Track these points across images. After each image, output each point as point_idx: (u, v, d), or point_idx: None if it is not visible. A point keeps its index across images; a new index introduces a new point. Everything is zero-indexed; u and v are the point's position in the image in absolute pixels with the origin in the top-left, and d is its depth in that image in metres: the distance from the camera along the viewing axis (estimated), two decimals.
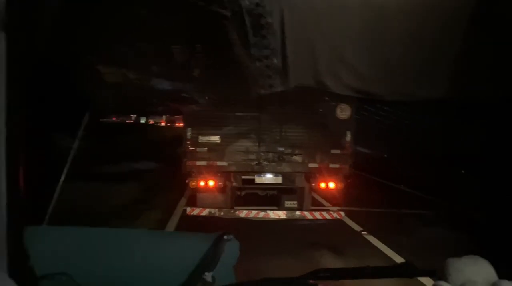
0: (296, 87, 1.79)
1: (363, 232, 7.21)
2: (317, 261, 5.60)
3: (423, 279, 3.73)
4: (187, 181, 7.22)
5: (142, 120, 32.58)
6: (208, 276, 1.03)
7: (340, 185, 7.32)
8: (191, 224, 6.96)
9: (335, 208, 8.12)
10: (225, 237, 1.14)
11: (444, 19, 1.65)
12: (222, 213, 7.12)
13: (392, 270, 1.38)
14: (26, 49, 1.16)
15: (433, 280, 1.13)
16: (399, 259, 5.75)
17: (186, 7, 1.48)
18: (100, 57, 1.70)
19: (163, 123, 38.96)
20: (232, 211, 7.19)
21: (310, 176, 7.37)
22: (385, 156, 14.94)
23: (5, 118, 1.07)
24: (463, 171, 10.84)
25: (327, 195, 8.03)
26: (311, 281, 0.67)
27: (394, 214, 8.39)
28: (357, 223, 7.68)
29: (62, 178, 1.43)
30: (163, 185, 10.56)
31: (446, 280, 1.04)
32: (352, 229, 7.44)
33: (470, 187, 8.88)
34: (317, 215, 7.31)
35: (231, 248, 1.14)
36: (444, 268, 1.07)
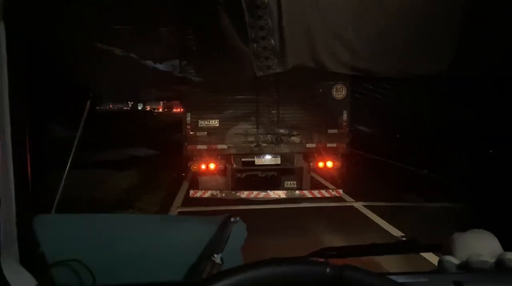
0: (294, 67, 1.75)
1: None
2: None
3: (426, 255, 3.71)
4: (188, 164, 7.25)
5: (139, 107, 31.60)
6: (217, 257, 1.02)
7: (338, 164, 7.35)
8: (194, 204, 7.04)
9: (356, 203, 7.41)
10: (232, 219, 1.13)
11: None
12: (224, 195, 7.16)
13: (397, 246, 1.37)
14: (26, 41, 1.13)
15: (438, 255, 1.11)
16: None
17: None
18: (94, 37, 1.65)
19: (160, 110, 37.68)
20: (233, 192, 7.22)
21: (308, 155, 7.37)
22: (398, 136, 13.57)
23: (10, 111, 1.05)
24: None
25: (326, 175, 7.99)
26: (318, 259, 0.67)
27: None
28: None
29: (68, 166, 1.41)
30: (166, 169, 10.57)
31: (451, 254, 1.03)
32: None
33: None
34: (316, 193, 7.34)
35: (238, 230, 1.12)
36: (449, 242, 1.06)
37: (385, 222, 6.42)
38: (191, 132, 7.06)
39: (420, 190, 8.12)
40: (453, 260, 1.01)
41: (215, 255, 1.03)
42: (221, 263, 1.04)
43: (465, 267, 0.97)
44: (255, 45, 1.65)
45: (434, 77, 1.79)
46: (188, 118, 7.05)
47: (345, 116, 7.28)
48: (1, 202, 1.01)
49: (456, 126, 9.78)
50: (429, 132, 11.01)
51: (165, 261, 1.11)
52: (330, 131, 7.24)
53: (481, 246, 1.03)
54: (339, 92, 7.25)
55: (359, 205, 7.47)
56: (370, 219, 6.74)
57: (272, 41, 1.64)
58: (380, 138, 13.68)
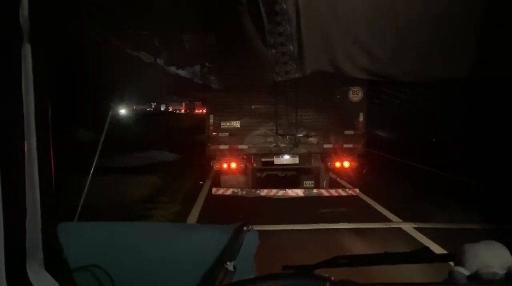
0: (312, 73, 1.65)
1: None
2: None
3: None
4: (211, 164, 7.28)
5: (162, 108, 31.08)
6: (229, 265, 0.99)
7: (354, 164, 7.23)
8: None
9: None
10: (244, 228, 1.08)
11: None
12: (244, 192, 7.17)
13: (409, 256, 1.27)
14: (52, 46, 1.09)
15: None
16: None
17: None
18: (122, 43, 1.60)
19: (182, 110, 36.82)
20: (253, 190, 7.21)
21: (326, 156, 7.28)
22: (434, 139, 12.35)
23: (35, 119, 1.01)
24: None
25: (343, 174, 7.77)
26: (319, 274, 0.65)
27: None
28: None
29: (91, 173, 1.37)
30: (188, 172, 10.47)
31: (462, 265, 0.98)
32: None
33: None
34: (333, 192, 7.24)
35: (250, 238, 1.08)
36: (461, 253, 1.00)
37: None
38: (213, 133, 7.10)
39: (469, 203, 6.82)
40: (464, 271, 0.96)
41: (228, 263, 0.99)
42: (234, 271, 1.00)
43: (475, 278, 0.92)
44: (273, 50, 1.57)
45: (454, 81, 1.65)
46: (211, 120, 7.10)
47: (361, 118, 7.16)
48: (27, 211, 0.99)
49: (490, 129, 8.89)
50: (462, 136, 10.01)
51: (180, 268, 1.07)
52: (347, 132, 7.13)
53: (492, 257, 0.97)
54: (356, 95, 7.12)
55: (408, 227, 5.92)
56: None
57: (291, 47, 1.55)
58: (415, 143, 12.18)
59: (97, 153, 1.41)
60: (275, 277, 0.66)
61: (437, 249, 4.99)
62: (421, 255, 1.24)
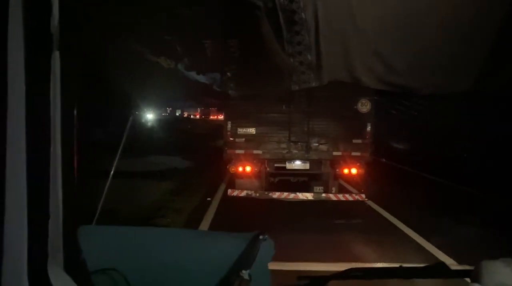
0: (329, 82, 1.56)
1: None
2: None
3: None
4: (228, 167, 7.29)
5: (177, 113, 29.72)
6: (245, 274, 0.92)
7: (361, 171, 7.16)
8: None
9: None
10: (260, 237, 1.00)
11: (479, 11, 1.36)
12: (257, 194, 7.13)
13: (426, 270, 1.16)
14: (78, 61, 1.06)
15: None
16: None
17: (222, 2, 1.29)
18: (144, 48, 1.56)
19: (197, 116, 34.68)
20: (266, 193, 7.18)
21: (335, 163, 7.23)
22: (465, 155, 10.79)
23: (61, 123, 0.97)
24: None
25: (351, 181, 7.66)
26: None
27: None
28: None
29: (110, 178, 1.32)
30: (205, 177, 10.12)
31: (479, 282, 0.90)
32: None
33: None
34: (341, 196, 7.15)
35: (266, 247, 1.01)
36: (478, 269, 0.92)
37: None
38: (231, 139, 7.13)
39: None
40: None
41: (243, 271, 0.92)
42: (248, 279, 0.93)
43: None
44: (292, 59, 1.49)
45: (472, 94, 1.53)
46: (229, 126, 7.14)
47: (369, 128, 7.14)
48: (50, 213, 0.94)
49: None
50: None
51: (196, 274, 1.00)
52: (355, 141, 7.10)
53: (510, 275, 0.89)
54: (364, 106, 7.12)
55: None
56: None
57: (309, 56, 1.47)
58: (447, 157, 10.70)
59: (117, 157, 1.36)
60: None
61: None
62: (437, 269, 1.13)
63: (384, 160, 11.84)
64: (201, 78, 1.70)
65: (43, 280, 0.92)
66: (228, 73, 1.69)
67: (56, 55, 0.96)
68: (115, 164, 1.31)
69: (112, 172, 1.29)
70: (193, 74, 1.70)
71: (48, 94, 0.94)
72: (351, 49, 1.43)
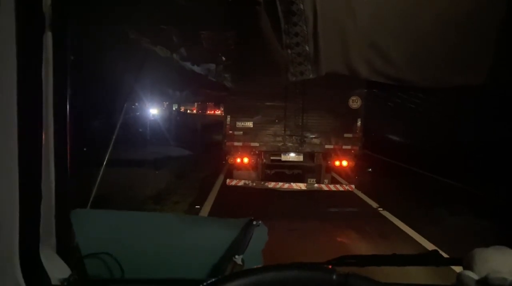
0: (327, 74, 1.47)
1: None
2: None
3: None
4: (226, 158, 7.28)
5: (174, 108, 27.71)
6: (238, 259, 0.87)
7: (352, 163, 7.17)
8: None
9: None
10: (254, 222, 0.94)
11: (479, 3, 1.27)
12: (254, 184, 7.10)
13: (418, 258, 1.10)
14: (71, 47, 0.98)
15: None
16: None
17: None
18: (140, 36, 1.45)
19: (194, 111, 31.86)
20: (262, 183, 7.16)
21: (327, 155, 7.22)
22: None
23: (53, 111, 0.90)
24: None
25: (342, 173, 7.65)
26: (324, 265, 0.55)
27: None
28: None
29: (104, 164, 1.24)
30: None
31: (472, 269, 0.84)
32: None
33: None
34: (332, 187, 7.14)
35: (259, 233, 0.95)
36: (470, 257, 0.86)
37: None
38: (229, 132, 7.10)
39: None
40: (472, 275, 0.82)
41: (236, 256, 0.87)
42: (242, 264, 0.88)
43: (484, 283, 0.80)
44: (289, 51, 1.40)
45: (472, 87, 1.44)
46: (228, 120, 7.12)
47: (359, 123, 7.14)
48: (42, 196, 0.87)
49: None
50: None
51: (189, 259, 0.93)
52: (346, 135, 7.11)
53: (502, 262, 0.83)
54: (355, 103, 7.12)
55: None
56: None
57: (307, 48, 1.38)
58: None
59: (111, 144, 1.28)
60: (282, 267, 0.59)
61: None
62: (430, 258, 1.07)
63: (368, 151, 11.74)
64: (196, 68, 1.61)
65: (35, 262, 0.85)
66: (224, 64, 1.60)
67: (48, 39, 0.88)
68: (108, 153, 1.23)
69: (105, 160, 1.21)
70: (188, 65, 1.61)
71: (41, 82, 0.86)
72: (349, 41, 1.34)
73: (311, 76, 1.45)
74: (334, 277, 0.57)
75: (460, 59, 1.33)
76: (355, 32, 1.31)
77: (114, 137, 1.31)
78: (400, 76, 1.41)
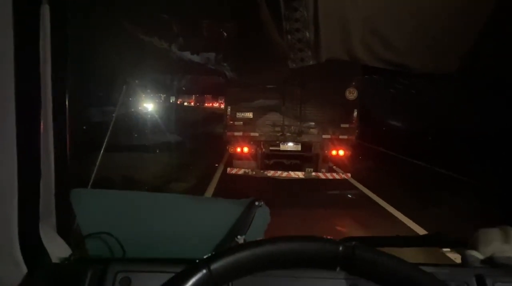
0: (327, 60, 1.41)
1: None
2: None
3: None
4: (227, 147, 7.31)
5: (171, 100, 26.77)
6: (240, 239, 0.83)
7: (348, 152, 7.21)
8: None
9: None
10: (256, 203, 0.90)
11: None
12: (254, 173, 7.16)
13: (422, 239, 1.07)
14: (68, 36, 0.94)
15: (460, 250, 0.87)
16: None
17: None
18: (138, 25, 1.40)
19: (192, 103, 30.05)
20: (261, 171, 7.21)
21: (324, 145, 7.24)
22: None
23: (51, 91, 0.86)
24: None
25: (338, 162, 7.66)
26: (330, 237, 0.53)
27: None
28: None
29: (103, 147, 1.20)
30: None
31: (477, 249, 0.82)
32: None
33: None
34: (329, 175, 7.21)
35: (262, 214, 0.91)
36: (474, 238, 0.84)
37: None
38: (230, 122, 7.11)
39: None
40: (477, 254, 0.80)
41: (238, 237, 0.83)
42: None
43: (489, 262, 0.78)
44: (289, 37, 1.34)
45: (473, 75, 1.39)
46: (229, 111, 7.13)
47: (355, 113, 7.15)
48: (41, 174, 0.83)
49: None
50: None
51: (191, 239, 0.90)
52: (343, 125, 7.11)
53: (507, 243, 0.81)
54: (351, 94, 7.11)
55: None
56: None
57: (307, 34, 1.32)
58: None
59: (110, 128, 1.24)
60: (289, 238, 0.56)
61: None
62: (433, 239, 1.03)
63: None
64: (195, 58, 1.56)
65: (34, 241, 0.82)
66: (223, 52, 1.54)
67: (46, 28, 0.83)
68: (107, 137, 1.19)
69: (104, 143, 1.17)
70: (187, 54, 1.55)
71: (38, 68, 0.82)
72: (350, 26, 1.29)
73: (311, 62, 1.40)
74: (341, 248, 0.56)
75: (462, 46, 1.28)
76: (357, 17, 1.25)
77: (111, 124, 1.27)
78: (401, 62, 1.36)
